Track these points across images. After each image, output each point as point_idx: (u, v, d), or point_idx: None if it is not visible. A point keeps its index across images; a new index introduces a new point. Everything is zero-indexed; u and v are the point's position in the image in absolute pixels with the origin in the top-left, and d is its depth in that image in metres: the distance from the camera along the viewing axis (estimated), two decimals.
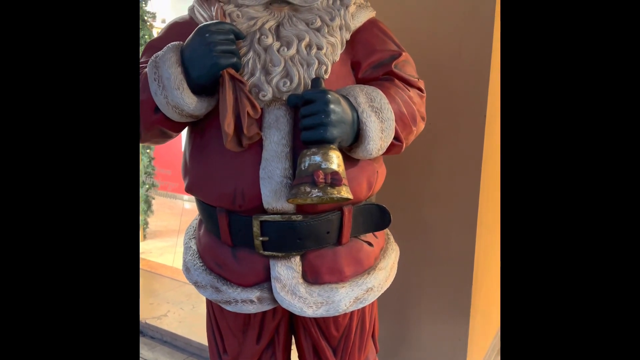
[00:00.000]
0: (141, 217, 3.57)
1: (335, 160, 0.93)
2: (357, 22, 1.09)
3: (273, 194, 0.99)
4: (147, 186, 3.47)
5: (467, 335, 1.63)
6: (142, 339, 2.45)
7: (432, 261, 1.62)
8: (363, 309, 1.20)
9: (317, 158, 0.93)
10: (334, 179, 0.92)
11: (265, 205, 1.00)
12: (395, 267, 1.22)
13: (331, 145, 0.94)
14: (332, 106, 0.92)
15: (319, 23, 1.01)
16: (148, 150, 3.38)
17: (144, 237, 3.70)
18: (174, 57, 0.96)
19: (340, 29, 1.05)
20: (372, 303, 1.25)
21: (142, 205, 3.49)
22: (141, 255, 3.51)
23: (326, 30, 1.02)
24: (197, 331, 2.40)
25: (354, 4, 1.08)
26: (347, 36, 1.05)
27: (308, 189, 0.91)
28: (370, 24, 1.12)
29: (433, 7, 1.49)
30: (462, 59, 1.48)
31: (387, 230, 1.25)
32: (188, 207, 4.66)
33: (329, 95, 0.93)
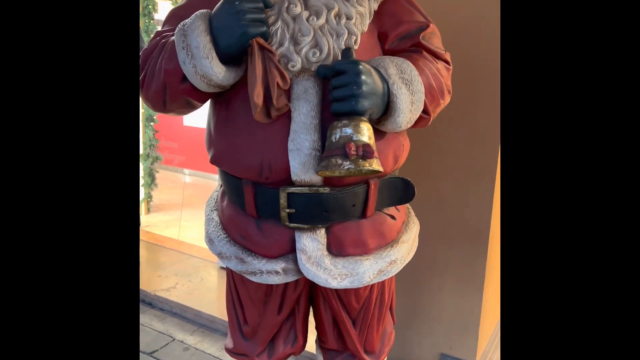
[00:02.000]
0: (145, 191, 3.54)
1: (367, 133, 0.93)
2: None
3: (302, 166, 0.99)
4: (150, 159, 3.46)
5: (480, 308, 1.67)
6: (152, 311, 2.49)
7: (448, 236, 1.65)
8: (383, 281, 1.22)
9: (349, 130, 0.92)
10: (366, 152, 0.92)
11: (294, 177, 1.00)
12: (417, 241, 1.24)
13: (362, 117, 0.93)
14: (363, 77, 0.92)
15: None
16: (152, 123, 3.37)
17: (148, 210, 3.70)
18: (203, 26, 0.95)
19: (369, 0, 1.04)
20: (392, 278, 1.27)
21: (147, 179, 3.46)
22: (146, 229, 3.41)
23: (356, 1, 1.01)
24: (206, 303, 2.42)
25: None
26: (375, 6, 1.05)
27: (339, 161, 0.91)
28: None
29: None
30: (479, 33, 1.50)
31: (407, 205, 1.25)
32: (188, 180, 4.68)
33: (361, 67, 0.92)
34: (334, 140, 0.93)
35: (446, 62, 1.12)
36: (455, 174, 1.61)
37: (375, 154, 0.93)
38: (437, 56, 1.10)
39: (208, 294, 2.60)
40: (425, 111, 1.05)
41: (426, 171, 1.63)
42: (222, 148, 1.09)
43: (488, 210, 1.60)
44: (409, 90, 0.99)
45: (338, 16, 0.99)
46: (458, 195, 1.63)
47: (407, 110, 0.99)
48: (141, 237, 3.19)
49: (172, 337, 2.27)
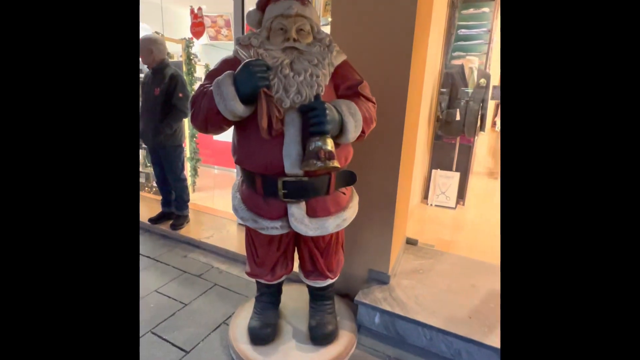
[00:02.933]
0: (192, 179, 4.38)
1: (330, 144, 1.48)
2: (337, 61, 1.68)
3: (291, 165, 1.56)
4: (194, 160, 4.35)
5: (390, 241, 2.37)
6: (198, 250, 3.14)
7: (371, 198, 2.32)
8: (338, 230, 1.87)
9: (319, 143, 1.46)
10: (330, 155, 1.47)
11: (286, 171, 1.58)
12: (357, 206, 1.90)
13: (327, 135, 1.49)
14: (327, 111, 1.49)
15: (316, 61, 1.60)
16: (194, 138, 4.29)
17: (194, 190, 4.46)
18: (229, 80, 1.50)
19: (329, 65, 1.63)
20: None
21: (192, 172, 4.35)
22: (193, 202, 4.03)
23: (321, 66, 1.60)
24: (231, 245, 3.12)
25: (336, 51, 1.68)
26: (332, 69, 1.65)
27: (315, 162, 1.45)
28: (344, 63, 1.72)
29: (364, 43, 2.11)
30: (387, 77, 2.08)
31: (352, 186, 1.91)
32: (217, 172, 5.71)
33: (326, 105, 1.49)
34: (310, 149, 1.47)
35: (373, 103, 1.72)
36: (375, 166, 2.25)
37: (335, 157, 1.49)
38: (367, 99, 1.70)
39: (231, 240, 3.23)
40: (362, 131, 1.63)
41: (360, 165, 2.27)
42: (242, 154, 1.67)
43: (394, 184, 2.24)
44: (354, 119, 1.58)
45: (311, 75, 1.56)
46: (377, 177, 2.27)
47: (353, 131, 1.58)
48: (190, 207, 3.80)
49: (211, 265, 2.91)
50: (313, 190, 1.70)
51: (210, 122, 1.60)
